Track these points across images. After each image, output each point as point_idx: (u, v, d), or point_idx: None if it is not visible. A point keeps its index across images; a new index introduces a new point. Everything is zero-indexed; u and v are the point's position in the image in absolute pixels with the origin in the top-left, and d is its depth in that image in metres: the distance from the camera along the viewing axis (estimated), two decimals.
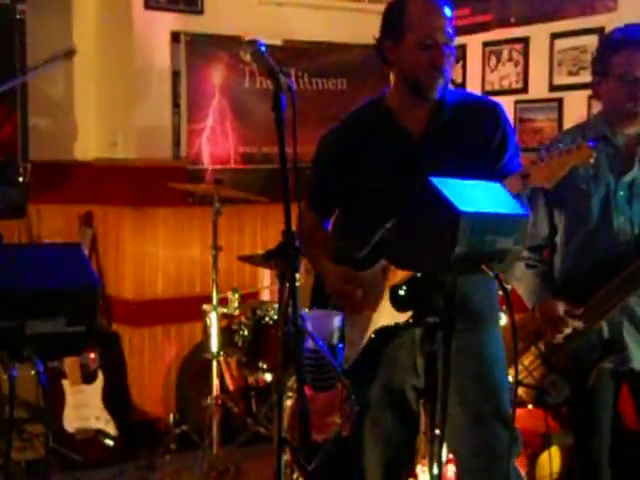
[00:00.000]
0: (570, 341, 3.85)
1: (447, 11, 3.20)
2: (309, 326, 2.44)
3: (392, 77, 3.37)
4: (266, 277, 5.90)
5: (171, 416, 5.75)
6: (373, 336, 3.15)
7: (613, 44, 3.87)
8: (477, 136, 3.33)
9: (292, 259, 2.43)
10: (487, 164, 3.28)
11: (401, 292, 3.05)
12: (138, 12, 5.88)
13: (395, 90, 3.37)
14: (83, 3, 6.07)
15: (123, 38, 5.96)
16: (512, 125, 3.48)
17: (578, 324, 3.81)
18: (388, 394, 3.42)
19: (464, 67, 6.41)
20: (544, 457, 4.77)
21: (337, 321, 2.68)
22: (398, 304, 3.11)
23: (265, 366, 5.24)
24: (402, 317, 3.08)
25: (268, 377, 5.22)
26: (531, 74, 5.98)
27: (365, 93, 6.47)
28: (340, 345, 2.67)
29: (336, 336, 2.67)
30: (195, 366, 5.76)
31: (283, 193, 2.43)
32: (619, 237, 3.82)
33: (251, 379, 5.44)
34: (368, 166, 3.34)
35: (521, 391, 4.30)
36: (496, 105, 3.44)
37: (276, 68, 2.54)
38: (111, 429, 5.54)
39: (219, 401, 5.39)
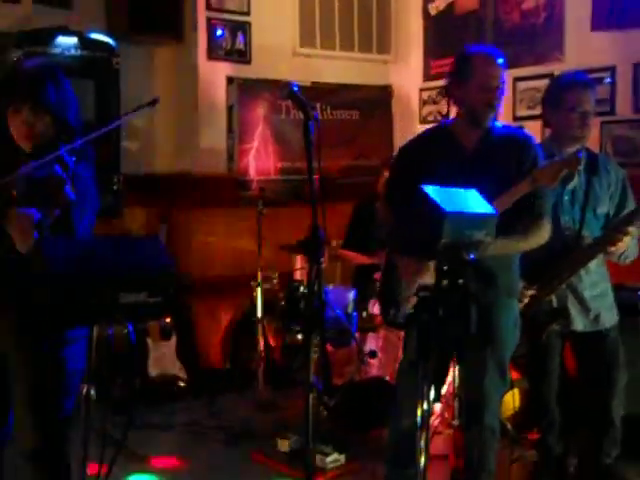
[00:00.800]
0: (528, 309, 3.85)
1: (500, 61, 3.29)
2: (331, 298, 2.47)
3: (453, 109, 3.45)
4: (298, 261, 5.92)
5: (226, 365, 5.79)
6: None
7: (565, 84, 3.89)
8: (511, 158, 3.36)
9: (317, 248, 2.47)
10: (515, 179, 3.30)
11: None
12: (203, 62, 5.99)
13: (456, 118, 3.43)
14: (162, 54, 6.08)
15: (192, 81, 6.03)
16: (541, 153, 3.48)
17: (533, 295, 3.82)
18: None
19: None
20: (508, 397, 4.78)
21: (352, 295, 2.72)
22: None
23: (297, 328, 5.26)
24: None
25: (300, 337, 5.24)
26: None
27: (371, 121, 6.63)
28: (355, 313, 2.70)
29: (351, 306, 2.70)
30: (245, 328, 5.80)
31: (310, 197, 2.47)
32: (565, 231, 3.81)
33: (288, 338, 5.47)
34: (433, 170, 3.30)
35: None
36: (529, 138, 3.48)
37: (305, 103, 2.57)
38: (182, 374, 5.60)
39: (263, 354, 5.44)
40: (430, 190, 2.39)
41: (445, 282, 2.71)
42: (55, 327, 2.42)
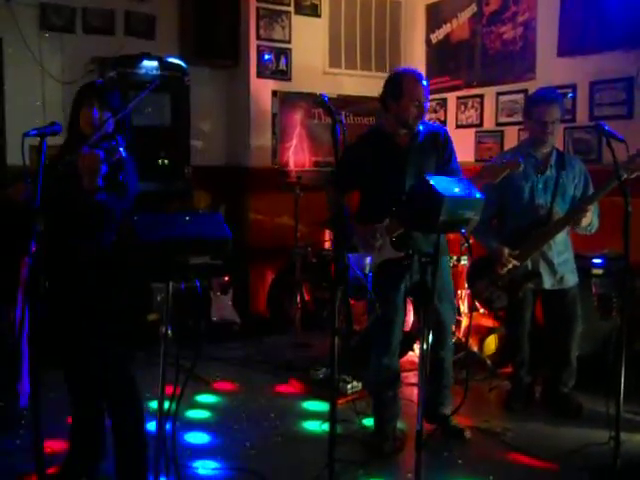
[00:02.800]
0: (509, 271, 3.85)
1: (424, 83, 3.32)
2: (352, 262, 2.47)
3: (386, 117, 3.43)
4: (327, 235, 5.93)
5: (271, 314, 5.81)
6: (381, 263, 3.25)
7: (534, 100, 3.92)
8: (436, 149, 3.41)
9: (341, 225, 2.47)
10: (440, 166, 3.39)
11: (393, 240, 3.23)
12: (253, 79, 5.99)
13: (389, 123, 3.41)
14: (222, 73, 6.10)
15: (245, 94, 6.03)
16: (453, 143, 3.51)
17: (515, 262, 3.81)
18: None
19: (445, 111, 6.32)
20: (489, 340, 4.79)
21: (368, 260, 2.70)
22: (395, 247, 3.26)
23: (325, 285, 5.28)
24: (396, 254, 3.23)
25: (327, 292, 5.25)
26: (485, 116, 5.90)
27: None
28: (370, 274, 2.68)
29: (367, 269, 2.68)
30: (285, 285, 5.81)
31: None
32: (540, 210, 3.84)
33: (318, 294, 5.49)
34: (374, 166, 3.37)
35: (477, 302, 4.32)
36: (445, 130, 3.54)
37: (333, 110, 2.56)
38: (237, 319, 5.63)
39: (299, 305, 5.46)
40: (431, 179, 2.37)
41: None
42: (140, 282, 2.46)
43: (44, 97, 5.25)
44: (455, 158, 3.49)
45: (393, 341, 3.48)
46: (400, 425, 3.66)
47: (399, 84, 3.30)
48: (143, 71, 5.30)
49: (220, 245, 2.20)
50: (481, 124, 5.92)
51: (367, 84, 6.47)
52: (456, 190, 2.39)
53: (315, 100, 2.64)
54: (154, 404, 2.37)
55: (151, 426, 2.92)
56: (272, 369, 4.88)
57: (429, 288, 2.44)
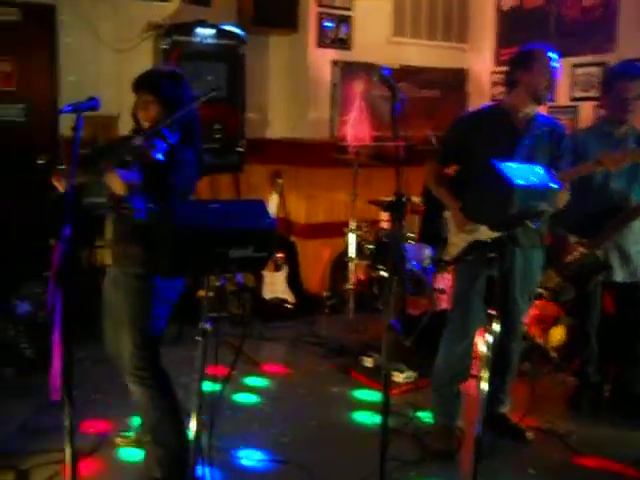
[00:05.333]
0: (577, 261, 3.58)
1: (554, 55, 3.21)
2: (410, 254, 2.25)
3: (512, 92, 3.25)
4: (384, 214, 5.70)
5: (324, 293, 5.64)
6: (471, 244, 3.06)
7: (615, 75, 3.72)
8: (550, 142, 3.27)
9: (400, 210, 2.25)
10: (550, 160, 3.19)
11: None
12: (312, 49, 5.76)
13: (515, 98, 3.24)
14: (280, 42, 5.85)
15: (303, 64, 5.81)
16: (569, 142, 3.35)
17: (583, 251, 3.54)
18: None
19: None
20: (555, 331, 4.52)
21: (428, 251, 2.49)
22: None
23: (381, 267, 5.06)
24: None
25: (384, 274, 5.04)
26: (558, 90, 5.53)
27: (449, 99, 6.30)
28: (430, 267, 2.47)
29: (427, 261, 2.47)
30: (339, 264, 5.64)
31: (396, 163, 2.27)
32: (614, 196, 3.60)
33: (374, 275, 5.26)
34: (483, 141, 3.18)
35: (545, 292, 4.07)
36: (563, 127, 3.42)
37: (394, 86, 2.35)
38: (290, 298, 5.49)
39: (354, 287, 5.27)
40: (501, 165, 2.12)
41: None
42: (176, 275, 2.31)
43: (99, 66, 5.15)
44: (568, 159, 3.30)
45: (470, 327, 3.29)
46: (458, 422, 3.45)
47: (530, 55, 3.22)
48: (198, 39, 5.15)
49: (264, 237, 2.02)
50: (553, 99, 5.53)
51: (433, 54, 6.24)
52: (530, 179, 2.14)
53: (375, 74, 2.42)
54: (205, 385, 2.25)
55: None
56: (323, 352, 4.73)
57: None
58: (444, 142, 3.42)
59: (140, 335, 2.77)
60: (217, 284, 2.03)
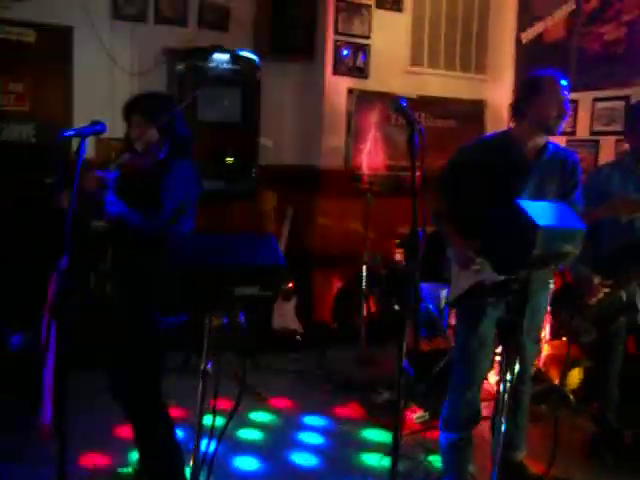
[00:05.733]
0: (600, 302, 3.43)
1: (564, 82, 2.96)
2: (426, 294, 2.12)
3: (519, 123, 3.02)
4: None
5: (334, 324, 5.51)
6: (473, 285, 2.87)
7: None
8: (561, 173, 3.05)
9: (414, 247, 2.13)
10: (561, 193, 3.02)
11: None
12: (329, 76, 5.70)
13: (522, 130, 3.00)
14: (296, 69, 5.77)
15: (319, 91, 5.75)
16: (582, 174, 3.14)
17: (606, 292, 3.40)
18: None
19: None
20: (573, 373, 4.35)
21: (445, 292, 2.36)
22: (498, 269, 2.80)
23: (395, 300, 4.93)
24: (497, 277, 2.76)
25: (396, 307, 4.91)
26: (578, 123, 5.44)
27: (466, 130, 6.19)
28: (447, 309, 2.34)
29: (443, 302, 2.34)
30: (351, 294, 5.50)
31: (412, 195, 2.14)
32: (638, 236, 3.41)
33: (386, 307, 5.13)
34: (491, 172, 2.95)
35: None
36: (575, 156, 3.15)
37: (412, 117, 2.24)
38: (299, 329, 5.35)
39: (366, 318, 5.13)
40: (524, 204, 2.00)
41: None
42: (170, 312, 2.20)
43: (113, 89, 5.10)
44: (581, 191, 3.12)
45: (476, 374, 3.09)
46: (470, 467, 3.29)
47: (537, 83, 2.97)
48: (214, 64, 5.10)
49: (273, 275, 1.89)
50: (574, 132, 5.44)
51: (451, 85, 6.16)
52: (554, 219, 2.02)
53: (392, 103, 2.32)
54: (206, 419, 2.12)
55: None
56: (332, 387, 4.58)
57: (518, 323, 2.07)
58: (446, 174, 3.13)
59: (143, 366, 2.66)
60: (220, 323, 1.90)
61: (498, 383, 3.72)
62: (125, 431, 2.87)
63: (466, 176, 3.03)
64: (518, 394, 3.22)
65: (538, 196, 2.89)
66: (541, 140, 3.01)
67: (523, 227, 1.95)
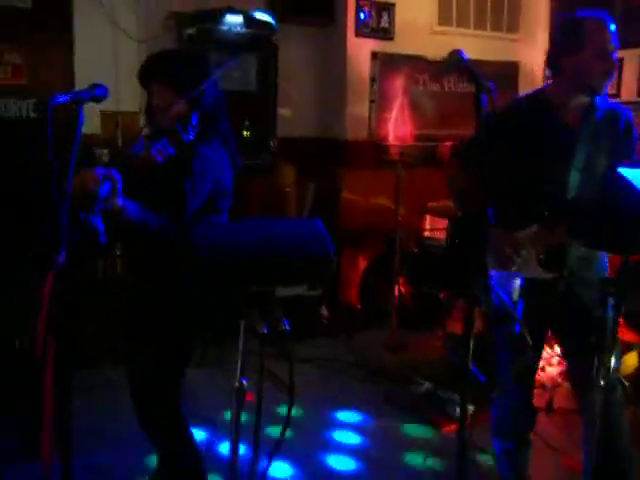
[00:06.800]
0: None
1: (612, 27, 2.41)
2: (495, 283, 1.75)
3: (556, 80, 2.50)
4: (428, 220, 5.21)
5: (362, 306, 5.16)
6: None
7: None
8: (613, 135, 2.48)
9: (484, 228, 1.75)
10: (615, 159, 2.39)
11: (541, 257, 2.31)
12: (351, 39, 5.30)
13: (559, 89, 2.49)
14: (315, 32, 5.37)
15: (341, 55, 5.33)
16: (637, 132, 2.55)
17: None
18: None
19: None
20: (629, 357, 4.00)
21: (519, 282, 1.98)
22: (544, 265, 2.38)
23: (428, 281, 4.57)
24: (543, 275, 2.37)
25: (430, 289, 4.55)
26: (624, 84, 5.02)
27: (499, 94, 5.73)
28: (521, 301, 1.97)
29: (517, 294, 1.97)
30: (379, 275, 5.14)
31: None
32: None
33: (415, 288, 4.76)
34: (525, 148, 2.47)
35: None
36: (628, 111, 2.57)
37: (476, 72, 1.85)
38: (325, 312, 5.01)
39: (397, 300, 4.77)
40: (630, 174, 1.62)
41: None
42: (199, 323, 1.83)
43: (118, 58, 4.72)
44: (637, 154, 2.56)
45: (520, 381, 2.66)
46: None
47: (578, 27, 2.42)
48: (226, 28, 4.70)
49: (322, 269, 1.51)
50: (619, 94, 5.02)
51: (481, 45, 5.72)
52: None
53: (451, 59, 1.92)
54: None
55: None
56: (363, 375, 4.26)
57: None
58: (471, 148, 2.58)
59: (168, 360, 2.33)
60: (260, 331, 1.53)
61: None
62: (141, 435, 2.53)
63: (496, 149, 2.37)
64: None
65: (590, 168, 2.43)
66: (585, 99, 2.48)
67: (632, 204, 1.56)
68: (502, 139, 2.46)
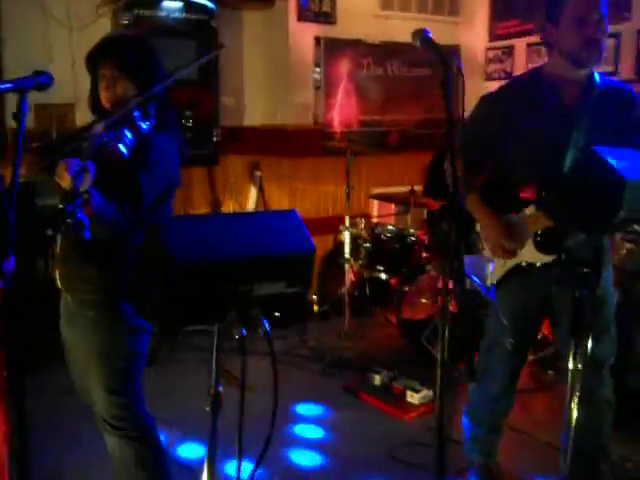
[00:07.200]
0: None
1: None
2: (468, 267, 1.69)
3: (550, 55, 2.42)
4: (375, 206, 5.17)
5: (314, 297, 5.08)
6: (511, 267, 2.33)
7: None
8: (616, 112, 2.39)
9: (458, 216, 1.68)
10: (619, 137, 2.27)
11: (538, 239, 2.26)
12: (292, 23, 5.15)
13: (553, 64, 2.41)
14: (255, 17, 5.23)
15: (282, 41, 5.19)
16: None
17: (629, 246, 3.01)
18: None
19: (512, 62, 5.56)
20: None
21: (491, 267, 1.93)
22: (540, 247, 2.33)
23: (381, 267, 4.52)
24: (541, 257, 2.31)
25: (382, 275, 4.50)
26: (621, 61, 4.84)
27: (439, 77, 5.73)
28: (493, 286, 1.91)
29: (489, 279, 1.92)
30: (330, 266, 5.06)
31: (449, 152, 1.71)
32: None
33: (367, 275, 4.69)
34: (522, 127, 2.39)
35: None
36: (631, 88, 2.48)
37: (442, 51, 1.78)
38: None
39: (350, 289, 4.71)
40: (604, 152, 1.58)
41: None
42: (171, 323, 1.72)
43: (48, 46, 4.48)
44: None
45: (507, 370, 2.61)
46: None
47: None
48: (164, 13, 4.52)
49: (302, 264, 1.43)
50: (615, 72, 4.91)
51: None
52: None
53: (416, 37, 1.84)
54: None
55: None
56: (321, 368, 4.17)
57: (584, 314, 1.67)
58: (467, 133, 2.43)
59: (114, 379, 2.19)
60: (236, 336, 1.44)
61: None
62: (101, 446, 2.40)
63: (494, 133, 2.44)
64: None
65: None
66: (580, 74, 2.38)
67: (605, 182, 1.53)
68: (500, 119, 2.43)
